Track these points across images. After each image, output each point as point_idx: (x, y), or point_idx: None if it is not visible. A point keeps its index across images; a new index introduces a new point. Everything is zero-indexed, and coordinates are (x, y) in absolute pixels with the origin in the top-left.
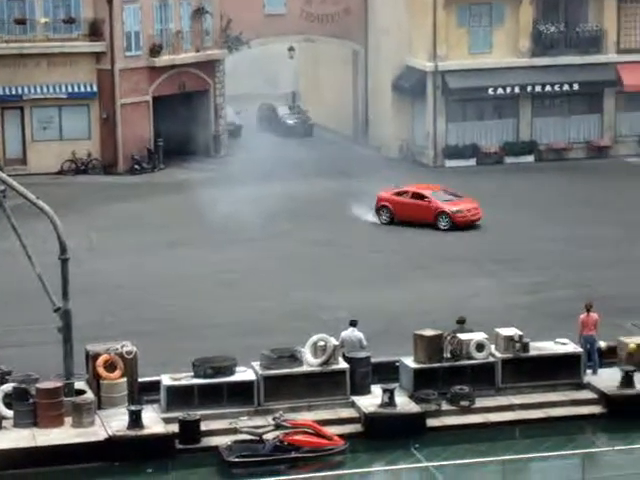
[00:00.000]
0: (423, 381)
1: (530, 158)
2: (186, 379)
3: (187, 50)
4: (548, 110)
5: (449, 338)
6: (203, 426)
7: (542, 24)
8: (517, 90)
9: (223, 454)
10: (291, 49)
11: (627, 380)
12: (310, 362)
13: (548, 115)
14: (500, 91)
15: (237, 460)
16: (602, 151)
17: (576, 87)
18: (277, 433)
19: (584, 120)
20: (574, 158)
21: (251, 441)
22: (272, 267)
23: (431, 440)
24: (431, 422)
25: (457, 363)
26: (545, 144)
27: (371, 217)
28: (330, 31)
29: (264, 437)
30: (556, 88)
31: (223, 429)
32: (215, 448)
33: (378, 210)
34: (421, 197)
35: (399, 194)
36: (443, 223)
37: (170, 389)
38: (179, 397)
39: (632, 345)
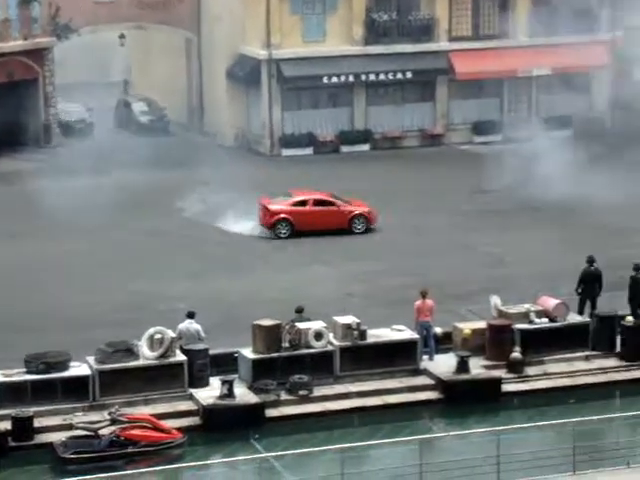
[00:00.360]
0: (262, 371)
1: (365, 147)
2: (18, 375)
3: (15, 38)
4: (382, 98)
5: (287, 328)
6: (37, 423)
7: (375, 12)
8: (351, 78)
9: (57, 450)
10: (122, 37)
11: (462, 365)
12: (147, 355)
13: (382, 104)
14: (334, 79)
15: (72, 456)
16: (435, 139)
17: (409, 75)
18: (113, 428)
19: (417, 108)
20: (408, 146)
21: (86, 437)
22: (107, 259)
23: (270, 430)
24: (270, 412)
25: (296, 352)
26: (380, 133)
27: (251, 229)
28: (162, 19)
29: (100, 432)
30: (390, 76)
31: (58, 425)
32: (49, 445)
33: (274, 225)
34: (327, 204)
35: (298, 204)
36: (359, 226)
37: (1, 386)
38: (11, 394)
39: (467, 331)
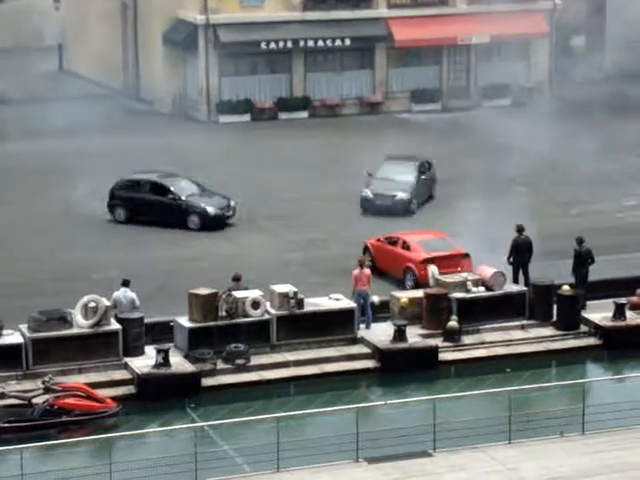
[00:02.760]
0: (198, 340)
1: (304, 114)
2: None
3: None
4: (321, 65)
5: (224, 296)
6: None
7: None
8: (289, 45)
9: None
10: (57, 1)
11: (399, 334)
12: (81, 324)
13: (321, 70)
14: (272, 45)
15: (5, 425)
16: (374, 107)
17: (348, 42)
18: (47, 397)
19: (356, 76)
20: (347, 114)
21: (19, 406)
22: (38, 226)
23: (207, 399)
24: (206, 381)
25: (233, 321)
26: (319, 100)
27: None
28: None
29: (33, 401)
30: (328, 43)
31: None
32: None
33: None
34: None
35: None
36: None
37: None
38: None
39: (404, 299)
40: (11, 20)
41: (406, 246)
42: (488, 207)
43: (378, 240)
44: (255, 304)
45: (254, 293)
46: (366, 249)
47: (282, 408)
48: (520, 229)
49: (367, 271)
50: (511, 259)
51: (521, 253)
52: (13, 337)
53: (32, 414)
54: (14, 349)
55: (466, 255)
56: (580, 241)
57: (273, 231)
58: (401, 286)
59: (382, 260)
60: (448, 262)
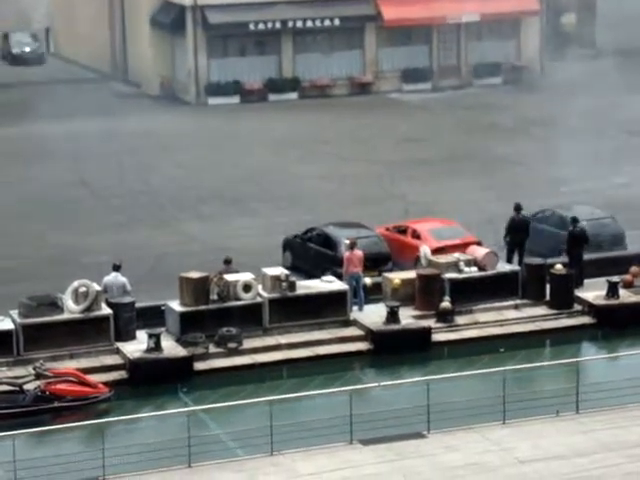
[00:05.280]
0: (190, 324)
1: (294, 95)
2: None
3: None
4: (310, 46)
5: (216, 279)
6: None
7: None
8: (278, 25)
9: None
10: None
11: (392, 315)
12: (71, 309)
13: (310, 51)
14: (261, 26)
15: None
16: (365, 87)
17: (337, 22)
18: (38, 383)
19: (346, 56)
20: (337, 95)
21: (11, 392)
22: (28, 210)
23: (199, 383)
24: (199, 365)
25: (224, 305)
26: (308, 81)
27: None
28: None
29: (24, 387)
30: (317, 23)
31: None
32: None
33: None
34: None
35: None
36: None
37: None
38: None
39: (396, 281)
40: None
41: (416, 235)
42: (480, 185)
43: (387, 229)
44: (247, 287)
45: (245, 276)
46: None
47: (275, 391)
48: (518, 208)
49: (359, 253)
50: (507, 238)
51: (518, 232)
52: (3, 323)
53: (24, 400)
54: (5, 335)
55: (477, 243)
56: (574, 221)
57: (263, 213)
58: None
59: (391, 249)
60: (459, 250)
